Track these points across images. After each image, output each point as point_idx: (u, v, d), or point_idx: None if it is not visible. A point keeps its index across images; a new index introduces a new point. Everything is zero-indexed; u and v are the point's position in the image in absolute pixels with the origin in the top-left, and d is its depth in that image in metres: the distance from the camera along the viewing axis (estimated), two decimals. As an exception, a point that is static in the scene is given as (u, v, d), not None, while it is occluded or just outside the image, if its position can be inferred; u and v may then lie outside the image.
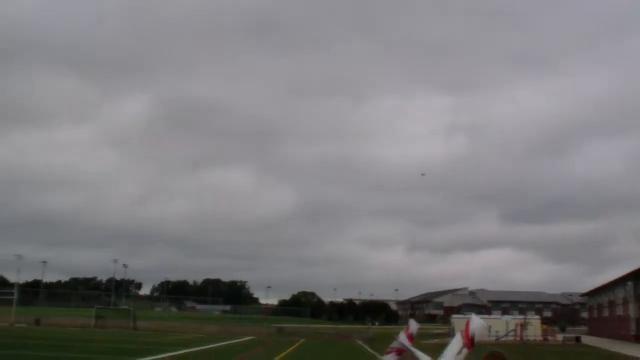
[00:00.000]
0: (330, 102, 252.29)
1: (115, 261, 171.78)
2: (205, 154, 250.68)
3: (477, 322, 9.02)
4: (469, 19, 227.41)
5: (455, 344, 8.93)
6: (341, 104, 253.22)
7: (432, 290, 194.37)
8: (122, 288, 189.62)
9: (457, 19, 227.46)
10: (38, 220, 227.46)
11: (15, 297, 79.90)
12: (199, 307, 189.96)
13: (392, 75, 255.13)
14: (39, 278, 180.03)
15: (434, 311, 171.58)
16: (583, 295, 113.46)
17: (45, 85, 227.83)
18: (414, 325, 10.54)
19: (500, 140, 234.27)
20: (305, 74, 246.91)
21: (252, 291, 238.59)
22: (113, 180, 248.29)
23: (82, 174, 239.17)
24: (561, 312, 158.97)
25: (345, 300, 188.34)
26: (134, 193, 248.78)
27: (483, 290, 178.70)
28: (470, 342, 8.81)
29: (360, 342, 65.89)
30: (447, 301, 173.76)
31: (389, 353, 10.35)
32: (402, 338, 10.16)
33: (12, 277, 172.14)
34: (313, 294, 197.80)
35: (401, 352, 10.07)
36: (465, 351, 8.81)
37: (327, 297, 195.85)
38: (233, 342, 55.63)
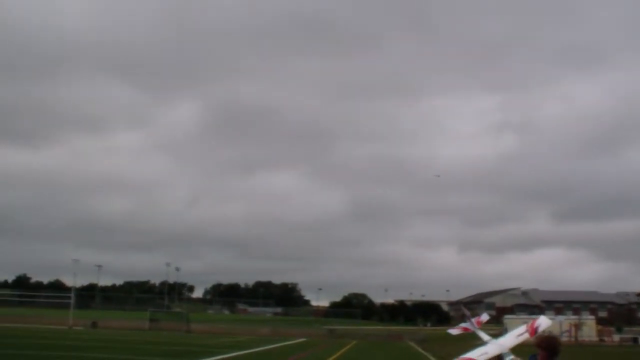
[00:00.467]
0: (382, 102, 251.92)
1: (168, 264, 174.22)
2: (256, 157, 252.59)
3: (544, 319, 10.65)
4: (518, 16, 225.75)
5: (519, 329, 10.38)
6: (392, 104, 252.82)
7: (484, 290, 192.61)
8: (175, 291, 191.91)
9: (507, 17, 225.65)
10: (93, 224, 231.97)
11: (72, 300, 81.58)
12: (251, 309, 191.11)
13: (443, 74, 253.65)
14: (94, 281, 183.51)
15: (486, 311, 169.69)
16: (639, 294, 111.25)
17: (102, 93, 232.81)
18: (484, 316, 13.28)
19: (551, 138, 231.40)
20: (357, 74, 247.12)
21: (302, 293, 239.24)
22: (166, 184, 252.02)
23: (136, 179, 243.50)
24: (616, 312, 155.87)
25: (396, 301, 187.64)
26: (186, 197, 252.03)
27: (535, 290, 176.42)
28: (534, 331, 10.14)
29: (412, 343, 65.80)
30: (499, 301, 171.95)
31: (457, 327, 13.10)
32: (472, 320, 12.48)
33: (68, 281, 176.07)
34: (364, 295, 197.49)
35: (466, 330, 12.53)
36: (527, 335, 10.16)
37: (377, 298, 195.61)
38: (285, 344, 55.97)
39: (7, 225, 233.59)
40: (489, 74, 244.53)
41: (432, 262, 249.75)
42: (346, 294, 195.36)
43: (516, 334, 10.30)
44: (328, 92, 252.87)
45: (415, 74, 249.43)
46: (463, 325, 12.82)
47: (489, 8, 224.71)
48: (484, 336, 11.00)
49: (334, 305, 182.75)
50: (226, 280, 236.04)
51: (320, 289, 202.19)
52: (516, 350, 9.72)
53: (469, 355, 9.76)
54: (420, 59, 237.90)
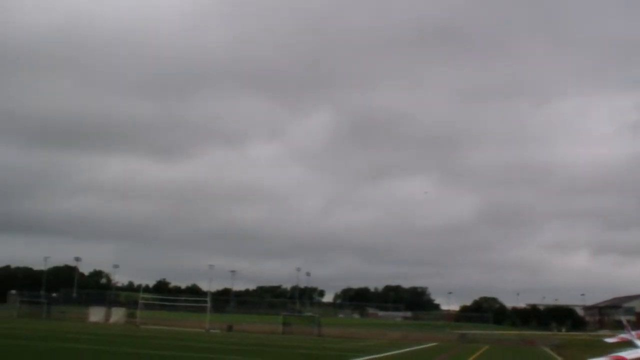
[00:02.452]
0: (511, 105, 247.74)
1: (299, 269, 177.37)
2: (388, 163, 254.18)
3: None
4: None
5: None
6: (522, 107, 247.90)
7: (622, 295, 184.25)
8: (306, 295, 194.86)
9: (638, 16, 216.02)
10: (228, 231, 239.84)
11: (209, 304, 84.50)
12: (381, 313, 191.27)
13: (573, 75, 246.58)
14: (228, 286, 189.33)
15: (624, 316, 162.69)
16: None
17: (239, 106, 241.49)
18: None
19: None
20: (485, 78, 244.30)
21: (432, 297, 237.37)
22: (300, 192, 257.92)
23: (271, 188, 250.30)
24: None
25: (528, 305, 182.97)
26: (318, 204, 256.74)
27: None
28: None
29: (546, 349, 64.19)
30: (638, 306, 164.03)
31: (614, 337, 13.24)
32: (632, 333, 12.92)
33: (204, 286, 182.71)
34: (494, 299, 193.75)
35: (623, 339, 12.31)
36: None
37: (509, 302, 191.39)
38: (415, 348, 55.95)
39: (149, 234, 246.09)
40: (622, 74, 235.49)
41: (565, 265, 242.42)
42: (477, 298, 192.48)
43: None
44: (458, 97, 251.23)
45: (544, 77, 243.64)
46: (622, 335, 13.05)
47: (621, 7, 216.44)
48: None
49: (464, 309, 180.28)
50: (356, 284, 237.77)
51: (450, 293, 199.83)
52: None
53: (621, 354, 9.97)
54: (549, 61, 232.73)
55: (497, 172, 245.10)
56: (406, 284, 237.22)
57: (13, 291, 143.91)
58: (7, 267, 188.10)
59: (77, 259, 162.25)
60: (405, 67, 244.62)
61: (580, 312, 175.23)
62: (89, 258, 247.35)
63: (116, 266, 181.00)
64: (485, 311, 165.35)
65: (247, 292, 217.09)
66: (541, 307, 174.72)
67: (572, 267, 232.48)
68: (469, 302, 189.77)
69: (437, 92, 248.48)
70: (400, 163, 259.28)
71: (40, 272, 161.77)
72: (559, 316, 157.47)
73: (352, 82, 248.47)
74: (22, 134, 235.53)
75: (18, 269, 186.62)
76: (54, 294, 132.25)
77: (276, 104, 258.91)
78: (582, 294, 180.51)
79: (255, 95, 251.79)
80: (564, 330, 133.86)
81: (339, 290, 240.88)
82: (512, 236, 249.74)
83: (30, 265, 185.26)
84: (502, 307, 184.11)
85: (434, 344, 67.89)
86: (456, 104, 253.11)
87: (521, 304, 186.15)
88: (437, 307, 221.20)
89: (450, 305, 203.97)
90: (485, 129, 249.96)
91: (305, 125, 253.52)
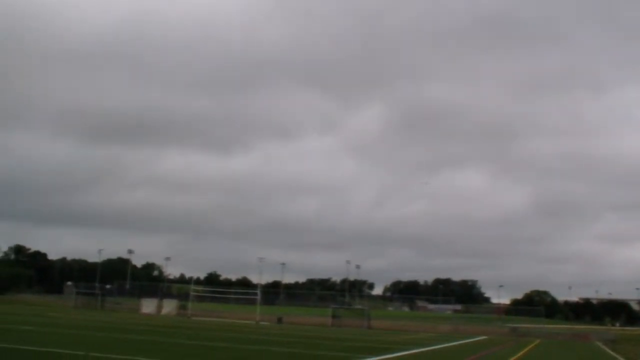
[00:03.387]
0: (568, 95, 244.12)
1: (348, 262, 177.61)
2: (441, 156, 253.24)
3: None
4: None
5: None
6: (579, 97, 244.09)
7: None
8: (355, 288, 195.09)
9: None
10: (280, 225, 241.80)
11: (259, 296, 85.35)
12: (430, 306, 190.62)
13: (631, 64, 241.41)
14: (278, 279, 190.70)
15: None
16: None
17: (294, 101, 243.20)
18: None
19: None
20: (541, 70, 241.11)
21: (482, 290, 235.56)
22: (352, 185, 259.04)
23: (324, 181, 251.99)
24: None
25: (581, 299, 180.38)
26: (369, 196, 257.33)
27: None
28: None
29: (600, 344, 63.32)
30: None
31: None
32: None
33: (254, 278, 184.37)
34: (546, 293, 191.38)
35: None
36: None
37: (561, 296, 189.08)
38: (466, 341, 55.74)
39: (201, 227, 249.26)
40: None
41: (619, 258, 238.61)
42: (528, 292, 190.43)
43: None
44: (512, 88, 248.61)
45: (601, 66, 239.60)
46: None
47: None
48: None
49: (515, 302, 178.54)
50: (405, 277, 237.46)
51: (501, 286, 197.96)
52: None
53: None
54: (605, 51, 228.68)
55: (552, 162, 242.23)
56: (456, 276, 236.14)
57: (69, 283, 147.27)
58: (64, 259, 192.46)
59: (130, 252, 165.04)
60: (459, 58, 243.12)
61: (635, 306, 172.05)
62: (142, 251, 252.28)
63: (168, 259, 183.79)
64: (536, 305, 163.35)
65: (296, 284, 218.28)
66: (594, 301, 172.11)
67: (627, 260, 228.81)
68: (520, 296, 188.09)
69: (491, 83, 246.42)
70: (452, 155, 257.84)
71: (95, 265, 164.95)
72: (613, 310, 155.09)
73: (405, 74, 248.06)
74: (81, 130, 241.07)
75: (74, 261, 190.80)
76: (108, 286, 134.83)
77: (330, 97, 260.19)
78: (638, 288, 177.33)
79: (310, 90, 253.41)
80: (617, 325, 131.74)
81: (388, 283, 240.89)
82: (566, 228, 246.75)
83: (85, 258, 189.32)
84: (554, 301, 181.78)
85: (485, 337, 67.53)
86: (511, 95, 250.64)
87: (574, 297, 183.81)
88: (487, 300, 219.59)
89: (500, 298, 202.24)
90: (540, 119, 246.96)
91: (358, 118, 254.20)
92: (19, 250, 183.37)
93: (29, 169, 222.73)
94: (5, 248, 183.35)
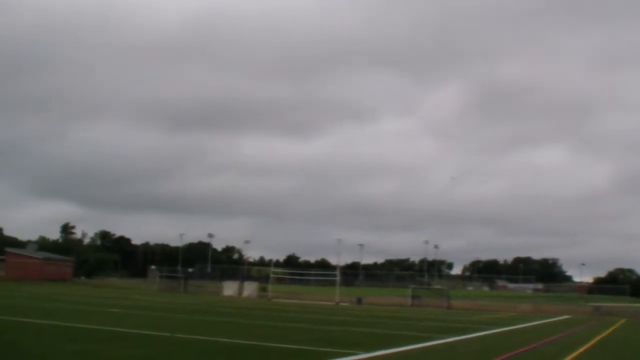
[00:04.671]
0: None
1: (427, 242, 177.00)
2: (520, 134, 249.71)
3: None
4: None
5: None
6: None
7: None
8: (434, 268, 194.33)
9: None
10: (358, 207, 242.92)
11: (338, 278, 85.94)
12: (510, 285, 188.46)
13: None
14: (356, 260, 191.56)
15: None
16: None
17: (370, 83, 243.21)
18: None
19: None
20: (618, 44, 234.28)
21: (564, 268, 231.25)
22: (430, 165, 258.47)
23: (402, 162, 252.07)
24: None
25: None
26: (447, 176, 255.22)
27: None
28: None
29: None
30: None
31: None
32: None
33: (333, 260, 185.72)
34: (631, 271, 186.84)
35: None
36: None
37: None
38: (547, 320, 55.03)
39: (280, 210, 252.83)
40: None
41: None
42: (612, 270, 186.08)
43: None
44: (591, 64, 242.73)
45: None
46: None
47: None
48: None
49: (598, 281, 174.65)
50: (485, 257, 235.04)
51: (583, 264, 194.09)
52: None
53: None
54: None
55: (632, 138, 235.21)
56: (536, 255, 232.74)
57: (153, 267, 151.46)
58: (147, 244, 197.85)
59: (210, 236, 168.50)
60: (535, 35, 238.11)
61: None
62: (222, 234, 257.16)
63: (247, 242, 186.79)
64: (621, 283, 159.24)
65: (375, 265, 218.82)
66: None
67: None
68: (602, 274, 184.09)
69: (568, 60, 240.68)
70: (530, 133, 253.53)
71: (177, 249, 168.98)
72: None
73: (481, 53, 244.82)
74: (162, 118, 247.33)
75: (156, 245, 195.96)
76: (190, 269, 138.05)
77: (406, 78, 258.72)
78: None
79: (386, 71, 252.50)
80: None
81: (467, 262, 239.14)
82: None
83: (167, 242, 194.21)
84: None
85: (567, 316, 66.48)
86: (590, 71, 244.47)
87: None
88: (569, 279, 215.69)
89: (583, 277, 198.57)
90: (620, 94, 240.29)
91: (435, 98, 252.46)
92: (104, 236, 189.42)
93: (114, 158, 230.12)
94: (91, 234, 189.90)
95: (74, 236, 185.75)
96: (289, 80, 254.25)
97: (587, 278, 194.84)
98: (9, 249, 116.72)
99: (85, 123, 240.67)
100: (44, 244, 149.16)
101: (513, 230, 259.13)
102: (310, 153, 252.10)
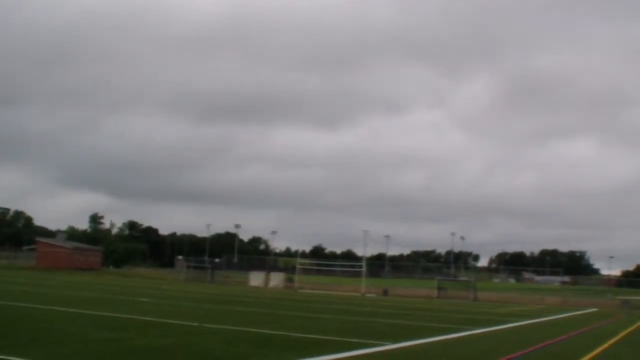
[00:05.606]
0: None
1: (453, 234, 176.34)
2: (551, 126, 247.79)
3: None
4: None
5: None
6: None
7: None
8: (461, 260, 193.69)
9: None
10: (383, 197, 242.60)
11: (364, 269, 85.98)
12: (537, 278, 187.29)
13: None
14: (382, 251, 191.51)
15: None
16: None
17: (400, 74, 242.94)
18: None
19: None
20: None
21: (591, 261, 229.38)
22: (460, 157, 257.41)
23: (431, 154, 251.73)
24: None
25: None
26: (476, 168, 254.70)
27: None
28: None
29: None
30: None
31: None
32: None
33: (359, 251, 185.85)
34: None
35: None
36: None
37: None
38: (574, 313, 54.74)
39: (306, 201, 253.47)
40: None
41: None
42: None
43: None
44: (623, 56, 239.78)
45: None
46: None
47: None
48: None
49: (626, 274, 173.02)
50: (511, 249, 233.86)
51: (611, 257, 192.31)
52: None
53: None
54: None
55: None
56: (564, 248, 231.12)
57: (180, 257, 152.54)
58: (174, 234, 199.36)
59: (237, 226, 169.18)
60: (567, 26, 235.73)
61: None
62: (248, 225, 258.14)
63: (274, 232, 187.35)
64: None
65: (401, 257, 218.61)
66: None
67: None
68: (631, 267, 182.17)
69: (601, 50, 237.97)
70: (561, 125, 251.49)
71: (204, 239, 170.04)
72: None
73: (512, 44, 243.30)
74: (192, 110, 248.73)
75: (184, 235, 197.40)
76: (217, 260, 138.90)
77: (437, 70, 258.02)
78: None
79: (417, 63, 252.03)
80: None
81: (493, 254, 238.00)
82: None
83: (194, 233, 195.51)
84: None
85: (594, 309, 66.02)
86: (622, 63, 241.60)
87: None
88: (596, 272, 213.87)
89: (611, 270, 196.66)
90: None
91: (465, 90, 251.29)
92: (132, 226, 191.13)
93: (144, 148, 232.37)
94: (119, 224, 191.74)
95: (102, 226, 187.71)
96: (320, 71, 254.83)
97: (615, 271, 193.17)
98: (39, 239, 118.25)
99: (117, 114, 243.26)
100: (73, 234, 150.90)
101: (540, 223, 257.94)
102: (339, 144, 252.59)
